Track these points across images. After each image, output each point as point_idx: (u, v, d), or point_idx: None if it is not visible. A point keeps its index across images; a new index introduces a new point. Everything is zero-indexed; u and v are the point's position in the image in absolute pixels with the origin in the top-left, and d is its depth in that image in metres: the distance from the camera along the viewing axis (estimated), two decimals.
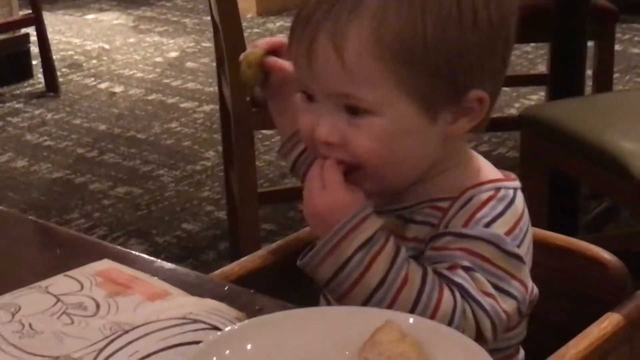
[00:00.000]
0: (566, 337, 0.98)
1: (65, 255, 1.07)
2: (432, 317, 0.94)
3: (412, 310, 0.94)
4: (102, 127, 3.59)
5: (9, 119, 3.71)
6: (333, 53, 0.96)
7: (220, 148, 3.15)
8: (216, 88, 2.87)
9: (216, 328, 0.89)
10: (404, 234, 1.02)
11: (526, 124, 2.16)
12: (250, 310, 0.92)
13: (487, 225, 0.98)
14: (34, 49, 4.06)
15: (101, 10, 5.12)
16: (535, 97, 3.65)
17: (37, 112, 3.76)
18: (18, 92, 3.98)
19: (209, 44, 4.29)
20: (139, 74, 4.13)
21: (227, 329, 0.87)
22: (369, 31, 0.95)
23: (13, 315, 0.93)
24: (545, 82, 3.19)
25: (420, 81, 0.96)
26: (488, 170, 1.05)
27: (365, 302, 0.95)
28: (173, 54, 4.38)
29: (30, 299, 0.95)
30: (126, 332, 0.89)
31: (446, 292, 0.95)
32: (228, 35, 2.27)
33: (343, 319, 0.87)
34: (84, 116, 3.70)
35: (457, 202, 1.00)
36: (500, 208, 0.99)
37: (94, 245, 1.10)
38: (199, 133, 3.48)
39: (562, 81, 2.55)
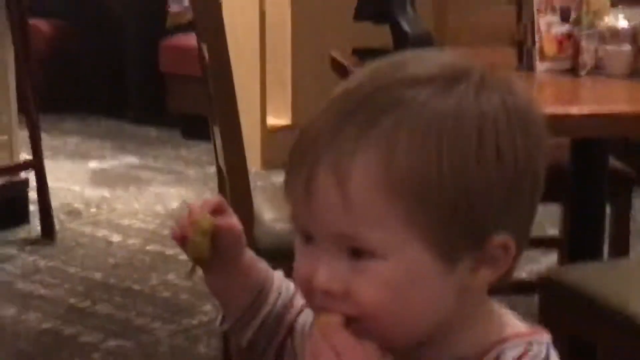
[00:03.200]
0: None
1: None
2: None
3: None
4: (97, 276, 3.46)
5: (1, 265, 3.58)
6: (335, 188, 0.84)
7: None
8: None
9: None
10: None
11: (545, 288, 2.04)
12: None
13: None
14: (33, 195, 3.97)
15: (103, 158, 5.07)
16: (545, 260, 3.54)
17: (30, 258, 3.64)
18: (12, 238, 3.86)
19: (210, 195, 4.21)
20: (139, 224, 4.03)
21: None
22: (377, 164, 0.83)
23: None
24: (557, 245, 3.10)
25: (434, 222, 0.84)
26: (514, 322, 0.91)
27: None
28: (174, 204, 4.29)
29: None
30: None
31: None
32: (235, 186, 2.18)
33: None
34: (78, 265, 3.57)
35: None
36: None
37: None
38: (197, 286, 3.34)
39: (580, 244, 2.46)
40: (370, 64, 0.90)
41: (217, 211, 0.98)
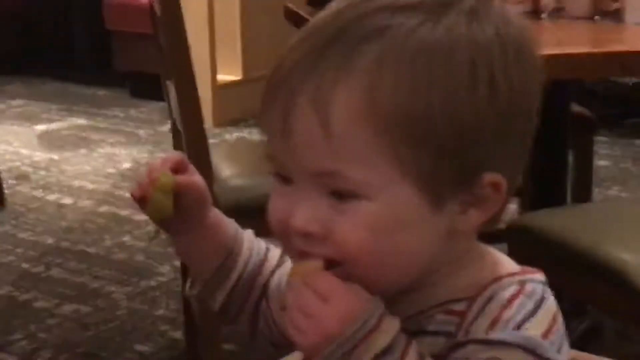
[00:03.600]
0: None
1: None
2: None
3: None
4: (50, 240, 3.37)
5: None
6: (315, 121, 0.78)
7: (177, 263, 2.96)
8: None
9: None
10: None
11: (514, 235, 2.00)
12: None
13: (518, 327, 0.79)
14: None
15: (51, 120, 4.95)
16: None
17: None
18: None
19: (163, 155, 4.12)
20: (90, 186, 3.94)
21: None
22: (360, 96, 0.77)
23: None
24: (517, 194, 3.08)
25: (423, 159, 0.78)
26: (508, 263, 0.86)
27: None
28: (126, 165, 4.20)
29: None
30: None
31: None
32: (192, 142, 2.12)
33: None
34: (30, 229, 3.48)
35: (476, 302, 0.81)
36: (530, 305, 0.80)
37: None
38: (153, 247, 3.28)
39: (543, 191, 2.43)
40: None
41: (178, 169, 0.92)
